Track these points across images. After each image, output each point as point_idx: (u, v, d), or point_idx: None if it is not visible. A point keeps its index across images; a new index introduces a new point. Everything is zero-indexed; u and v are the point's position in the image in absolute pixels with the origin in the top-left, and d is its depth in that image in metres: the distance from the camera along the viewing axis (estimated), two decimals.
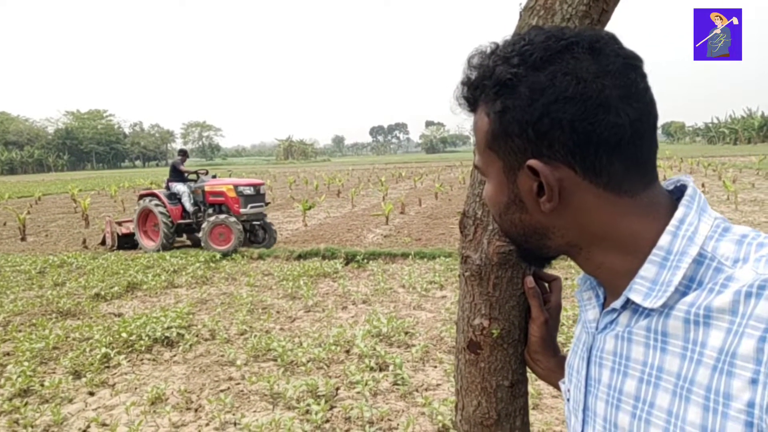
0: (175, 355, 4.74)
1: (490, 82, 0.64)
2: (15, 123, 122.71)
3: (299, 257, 8.60)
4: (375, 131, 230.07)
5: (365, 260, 8.07)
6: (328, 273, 7.50)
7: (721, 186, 16.46)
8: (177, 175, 10.59)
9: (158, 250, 9.61)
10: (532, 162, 0.62)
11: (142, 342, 4.83)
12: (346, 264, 8.08)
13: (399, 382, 3.99)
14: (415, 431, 3.34)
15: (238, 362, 4.44)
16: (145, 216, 10.21)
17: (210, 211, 10.04)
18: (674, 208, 0.62)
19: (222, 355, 4.66)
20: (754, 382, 0.51)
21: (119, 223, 10.94)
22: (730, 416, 0.52)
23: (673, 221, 0.61)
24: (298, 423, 3.45)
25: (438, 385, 4.00)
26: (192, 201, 10.21)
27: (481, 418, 0.93)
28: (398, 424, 3.44)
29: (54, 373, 4.44)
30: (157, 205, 9.90)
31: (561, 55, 0.61)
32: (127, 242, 10.45)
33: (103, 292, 6.67)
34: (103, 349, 4.64)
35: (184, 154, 11.16)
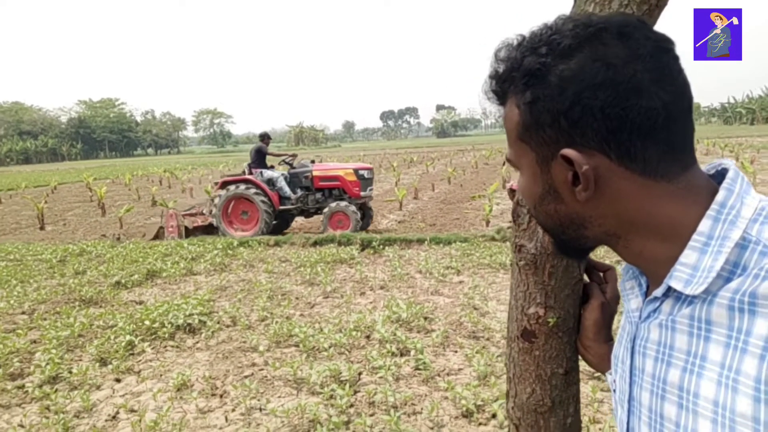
0: (197, 342, 4.80)
1: (519, 74, 0.64)
2: (29, 113, 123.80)
3: (315, 244, 8.63)
4: (385, 116, 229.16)
5: (381, 246, 8.09)
6: (345, 259, 7.53)
7: (740, 167, 16.22)
8: (262, 160, 10.27)
9: None
10: (565, 151, 0.62)
11: (165, 329, 4.90)
12: (362, 250, 8.10)
13: (420, 367, 4.01)
14: (439, 415, 3.37)
15: (261, 348, 4.49)
16: (228, 204, 9.91)
17: (319, 196, 10.00)
18: (715, 192, 0.61)
19: (244, 342, 4.71)
20: None
21: (188, 215, 10.51)
22: None
23: (714, 205, 0.59)
24: (323, 408, 3.49)
25: (460, 369, 4.02)
26: (290, 186, 10.12)
27: (535, 405, 0.94)
28: (422, 408, 3.47)
29: (81, 360, 4.52)
30: (256, 192, 9.63)
31: (589, 42, 0.60)
32: (195, 236, 9.80)
33: (123, 280, 6.75)
34: (128, 337, 4.71)
35: (267, 137, 10.57)
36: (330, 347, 4.39)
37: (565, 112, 0.60)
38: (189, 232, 10.09)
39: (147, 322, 4.98)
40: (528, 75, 0.62)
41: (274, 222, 9.86)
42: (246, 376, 4.06)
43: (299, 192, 10.06)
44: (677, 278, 0.60)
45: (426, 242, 8.09)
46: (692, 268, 0.59)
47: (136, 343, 4.68)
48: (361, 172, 9.89)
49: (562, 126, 0.61)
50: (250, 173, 10.08)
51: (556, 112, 0.61)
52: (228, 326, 5.14)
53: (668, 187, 0.61)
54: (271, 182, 10.00)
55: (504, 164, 21.12)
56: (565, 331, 0.90)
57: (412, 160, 33.37)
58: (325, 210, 9.47)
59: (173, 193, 20.86)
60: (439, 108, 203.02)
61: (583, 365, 0.98)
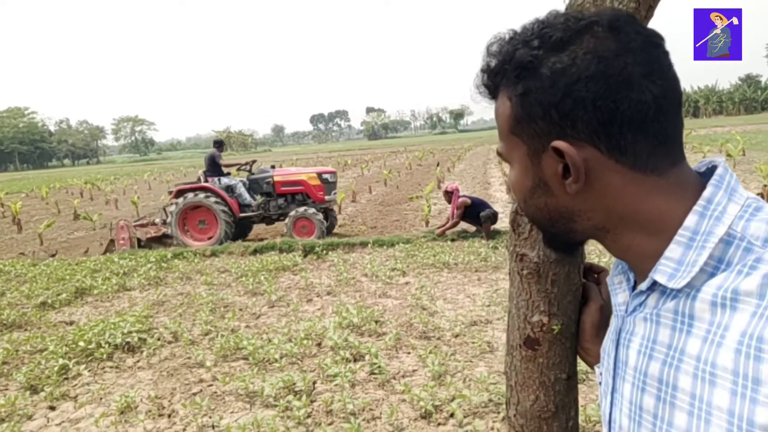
0: (138, 361, 4.56)
1: (511, 66, 0.63)
2: None
3: (255, 252, 8.43)
4: (316, 119, 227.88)
5: (324, 251, 8.01)
6: (288, 266, 7.40)
7: None
8: (216, 168, 9.86)
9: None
10: (557, 143, 0.62)
11: (102, 350, 4.62)
12: (305, 256, 7.99)
13: (375, 371, 4.00)
14: (398, 419, 3.37)
15: (207, 363, 4.32)
16: (185, 214, 9.45)
17: (281, 201, 9.67)
18: (703, 188, 0.61)
19: (189, 357, 4.52)
20: None
21: (140, 226, 9.95)
22: (759, 401, 0.50)
23: (701, 201, 0.60)
24: (280, 420, 3.41)
25: (414, 371, 4.04)
26: (250, 193, 9.75)
27: (539, 411, 0.94)
28: (381, 413, 3.45)
29: (7, 389, 4.18)
30: (215, 201, 9.25)
31: (581, 35, 0.61)
32: (149, 247, 9.38)
33: (49, 300, 6.31)
34: (60, 360, 4.40)
35: (221, 144, 10.22)
36: (281, 358, 4.29)
37: (556, 104, 0.61)
38: (141, 244, 9.60)
39: (81, 344, 4.68)
40: (520, 68, 0.63)
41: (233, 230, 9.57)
42: (194, 393, 3.90)
43: (259, 198, 9.79)
44: (661, 272, 0.60)
45: (369, 245, 8.09)
46: (676, 263, 0.59)
47: (71, 366, 4.38)
48: (324, 176, 9.74)
49: (553, 118, 0.62)
50: (206, 181, 9.72)
51: (548, 104, 0.61)
52: (170, 342, 4.91)
53: (658, 181, 0.62)
54: (229, 189, 9.68)
55: (438, 165, 21.51)
56: (568, 337, 0.91)
57: (347, 163, 33.30)
58: (290, 216, 9.23)
59: (96, 205, 19.75)
60: (369, 110, 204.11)
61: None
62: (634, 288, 0.70)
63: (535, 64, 0.62)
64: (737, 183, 0.62)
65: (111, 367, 4.46)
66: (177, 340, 4.94)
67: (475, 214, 8.13)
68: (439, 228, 8.45)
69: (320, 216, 9.27)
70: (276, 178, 9.70)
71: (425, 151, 39.02)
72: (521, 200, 0.72)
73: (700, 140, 24.75)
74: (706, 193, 0.60)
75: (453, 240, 8.00)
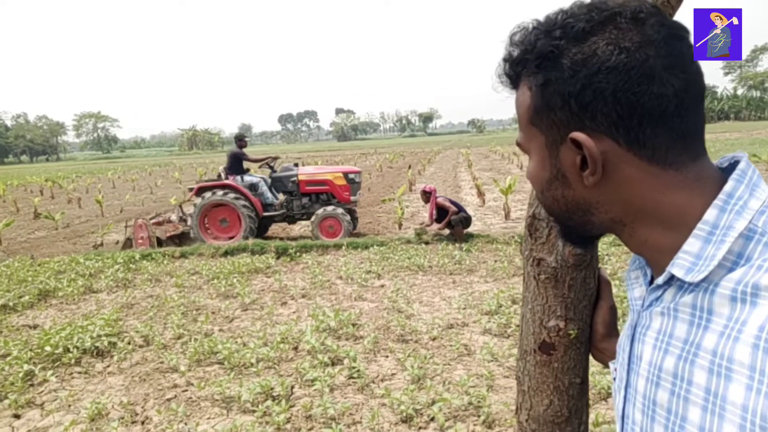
0: (108, 366, 4.42)
1: (532, 56, 0.64)
2: None
3: (226, 254, 8.28)
4: (284, 119, 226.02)
5: (298, 253, 7.93)
6: (261, 268, 7.30)
7: None
8: (239, 166, 9.56)
9: None
10: (575, 134, 0.62)
11: (70, 354, 4.46)
12: (278, 258, 7.90)
13: (354, 375, 3.98)
14: (379, 423, 3.35)
15: (182, 368, 4.23)
16: (206, 212, 9.17)
17: (305, 201, 9.45)
18: (725, 183, 0.61)
19: (162, 362, 4.41)
20: None
21: (156, 224, 9.59)
22: None
23: (721, 195, 0.59)
24: (259, 426, 3.35)
25: (393, 374, 4.03)
26: (272, 191, 9.53)
27: (552, 416, 0.95)
28: (361, 417, 3.43)
29: None
30: (237, 198, 9.01)
31: (603, 26, 0.61)
32: (168, 246, 9.08)
33: (11, 303, 6.07)
34: (25, 366, 4.23)
35: (243, 140, 9.81)
36: (258, 362, 4.23)
37: (576, 95, 0.61)
38: (161, 243, 9.29)
39: (48, 348, 4.51)
40: (541, 57, 0.63)
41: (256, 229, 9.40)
42: (169, 399, 3.81)
43: (281, 197, 9.60)
44: (679, 266, 0.60)
45: (343, 247, 8.05)
46: (695, 257, 0.59)
47: (36, 372, 4.22)
48: (350, 175, 9.53)
49: (572, 109, 0.62)
50: (226, 178, 9.48)
51: (567, 94, 0.61)
52: (141, 347, 4.79)
53: (676, 176, 0.61)
54: (253, 187, 9.47)
55: (409, 168, 21.57)
56: (583, 342, 0.92)
57: (317, 164, 33.12)
58: (316, 215, 9.07)
59: (58, 203, 19.12)
60: (339, 111, 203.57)
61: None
62: (650, 283, 0.70)
63: (556, 55, 0.62)
64: (759, 178, 0.62)
65: (80, 373, 4.32)
66: (148, 344, 4.81)
67: (445, 216, 8.22)
68: (428, 225, 8.46)
69: (348, 216, 9.13)
70: (301, 177, 9.49)
71: (395, 154, 39.11)
72: (538, 191, 0.72)
73: None
74: (727, 187, 0.60)
75: (427, 243, 8.04)
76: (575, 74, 0.60)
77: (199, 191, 9.29)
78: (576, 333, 0.90)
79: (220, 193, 9.09)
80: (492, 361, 4.09)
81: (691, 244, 0.59)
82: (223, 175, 9.62)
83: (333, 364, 4.18)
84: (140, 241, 9.19)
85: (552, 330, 0.91)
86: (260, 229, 9.67)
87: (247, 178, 9.54)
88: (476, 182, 13.12)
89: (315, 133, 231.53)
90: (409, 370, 3.92)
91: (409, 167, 21.87)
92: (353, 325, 4.91)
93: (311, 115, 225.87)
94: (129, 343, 4.77)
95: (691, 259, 0.59)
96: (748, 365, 0.52)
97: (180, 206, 10.47)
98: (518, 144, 0.73)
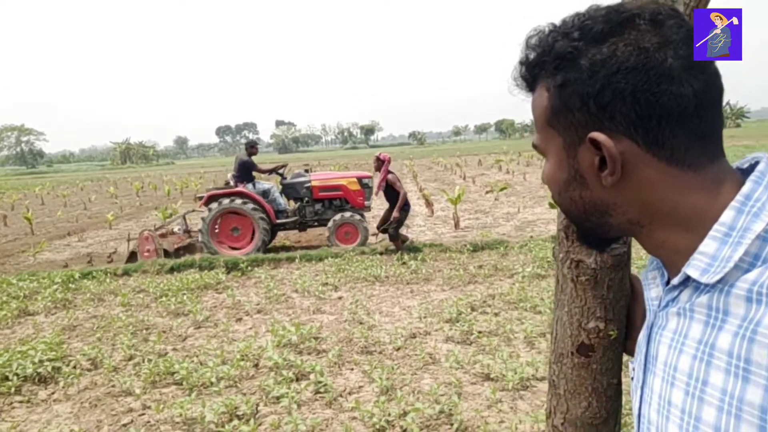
0: (54, 393, 4.13)
1: (550, 58, 0.64)
2: None
3: (172, 270, 7.97)
4: (222, 131, 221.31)
5: (249, 267, 7.73)
6: (211, 284, 7.06)
7: None
8: (249, 173, 9.14)
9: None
10: (594, 134, 0.62)
11: (9, 383, 4.14)
12: (228, 273, 7.67)
13: (321, 390, 3.89)
14: None
15: (136, 390, 4.01)
16: (215, 221, 8.76)
17: (318, 207, 9.09)
18: (743, 185, 0.61)
19: (113, 386, 4.17)
20: None
21: (162, 236, 9.08)
22: None
23: (738, 196, 0.59)
24: None
25: (360, 387, 3.98)
26: (283, 198, 9.20)
27: (591, 418, 0.95)
28: None
29: None
30: (253, 207, 8.61)
31: (622, 27, 0.62)
32: (175, 258, 8.58)
33: None
34: None
35: (253, 146, 9.48)
36: (218, 381, 4.07)
37: (595, 95, 0.61)
38: (168, 255, 8.78)
39: None
40: (559, 59, 0.63)
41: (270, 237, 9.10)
42: (125, 425, 3.60)
43: (292, 204, 9.34)
44: (694, 266, 0.60)
45: (297, 260, 7.92)
46: (711, 258, 0.59)
47: None
48: (364, 180, 9.35)
49: (591, 109, 0.62)
50: (235, 186, 9.07)
51: (586, 95, 0.62)
52: (89, 370, 4.51)
53: (695, 177, 0.61)
54: (264, 194, 9.14)
55: None
56: (620, 342, 0.93)
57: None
58: (332, 222, 8.80)
59: None
60: (279, 123, 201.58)
61: None
62: (667, 284, 0.70)
63: (575, 56, 0.62)
64: None
65: (21, 402, 4.01)
66: (97, 368, 4.54)
67: (394, 200, 7.88)
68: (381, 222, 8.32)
69: (365, 222, 8.98)
70: (314, 183, 9.21)
71: (339, 166, 39.00)
72: (555, 193, 0.72)
73: None
74: (745, 188, 0.60)
75: (381, 253, 8.03)
76: (594, 75, 0.61)
77: (209, 200, 8.92)
78: (615, 333, 0.91)
79: (234, 200, 8.75)
80: (458, 368, 4.11)
81: (707, 245, 0.59)
82: (232, 183, 9.32)
83: (298, 379, 4.08)
84: (147, 253, 8.76)
85: (592, 332, 0.91)
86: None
87: (259, 185, 9.31)
88: (423, 192, 13.27)
89: None
90: (377, 381, 3.88)
91: None
92: (315, 338, 4.82)
93: (250, 127, 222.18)
94: (75, 368, 4.48)
95: (706, 260, 0.59)
96: (764, 366, 0.52)
97: (184, 217, 10.10)
98: (534, 146, 0.73)
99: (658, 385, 0.65)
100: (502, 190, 13.78)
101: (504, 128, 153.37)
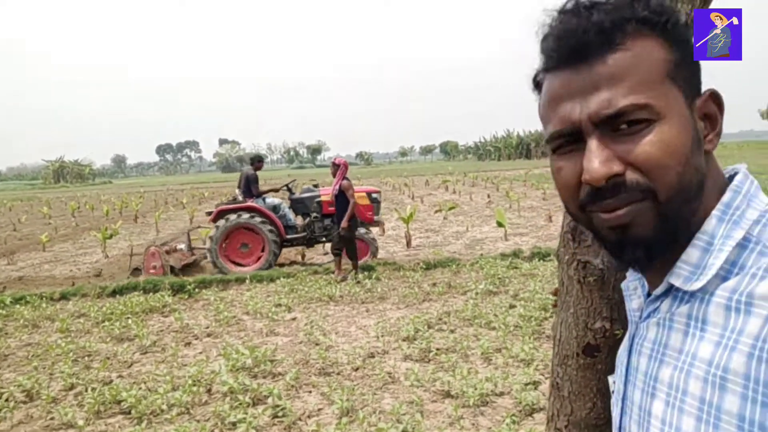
0: None
1: (655, 13, 0.60)
2: None
3: (114, 293, 7.59)
4: (163, 149, 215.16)
5: (197, 289, 7.45)
6: (157, 307, 6.76)
7: (503, 196, 18.97)
8: (252, 190, 8.87)
9: None
10: (713, 89, 0.62)
11: None
12: (174, 295, 7.36)
13: (279, 414, 3.76)
14: None
15: (79, 422, 3.74)
16: (223, 238, 8.49)
17: (327, 222, 8.77)
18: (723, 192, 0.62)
19: (52, 418, 3.88)
20: None
21: (167, 253, 8.67)
22: None
23: (719, 205, 0.60)
24: None
25: (320, 409, 3.87)
26: (293, 214, 8.93)
27: (595, 419, 0.95)
28: None
29: None
30: (263, 222, 8.31)
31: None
32: (181, 275, 8.29)
33: None
34: None
35: (260, 161, 9.32)
36: (170, 408, 3.86)
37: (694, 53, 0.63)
38: (174, 272, 8.39)
39: None
40: (668, 13, 0.61)
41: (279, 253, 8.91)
42: None
43: (300, 219, 9.11)
44: (677, 275, 0.60)
45: (247, 281, 7.71)
46: (693, 266, 0.59)
47: None
48: (373, 195, 9.28)
49: (698, 66, 0.63)
50: (243, 201, 8.80)
51: (692, 51, 0.63)
52: (24, 403, 4.19)
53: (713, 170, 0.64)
54: (275, 209, 8.92)
55: None
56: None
57: (203, 196, 31.77)
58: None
59: None
60: (223, 142, 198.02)
61: None
62: (649, 294, 0.69)
63: (677, 13, 0.62)
64: (758, 189, 0.63)
65: None
66: (33, 399, 4.22)
67: (343, 210, 7.64)
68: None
69: (373, 236, 8.89)
70: (324, 198, 8.97)
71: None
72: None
73: (536, 178, 27.63)
74: (725, 198, 0.61)
75: (334, 272, 7.94)
76: (691, 33, 0.63)
77: (219, 215, 8.66)
78: (621, 333, 0.92)
79: (243, 216, 8.51)
80: (419, 386, 4.08)
81: (690, 254, 0.60)
82: (240, 198, 9.09)
83: (255, 403, 3.94)
84: (152, 270, 8.42)
85: (598, 332, 0.92)
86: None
87: (269, 200, 9.13)
88: None
89: (197, 164, 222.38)
90: (337, 403, 3.79)
91: None
92: (270, 361, 4.68)
93: (192, 145, 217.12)
94: (8, 400, 4.14)
95: (689, 268, 0.60)
96: (743, 375, 0.51)
97: (188, 234, 9.81)
98: (635, 109, 0.58)
99: (638, 396, 0.65)
100: (450, 209, 14.00)
101: (448, 150, 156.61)
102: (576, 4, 0.61)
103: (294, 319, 6.05)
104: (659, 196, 0.58)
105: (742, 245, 0.57)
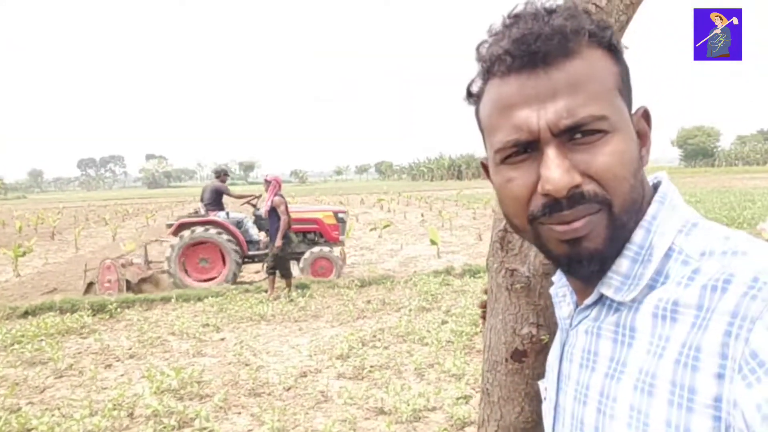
0: None
1: (595, 27, 0.60)
2: None
3: (26, 314, 7.07)
4: (85, 164, 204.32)
5: (118, 309, 7.07)
6: (74, 328, 6.34)
7: (437, 215, 19.34)
8: (220, 202, 8.56)
9: None
10: (645, 106, 0.64)
11: None
12: (94, 315, 6.94)
13: None
14: None
15: None
16: (183, 251, 8.26)
17: (296, 238, 8.30)
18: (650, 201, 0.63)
19: None
20: (720, 376, 0.50)
21: (124, 265, 8.08)
22: (695, 410, 0.51)
23: (646, 217, 0.61)
24: None
25: (249, 431, 3.76)
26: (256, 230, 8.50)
27: (523, 423, 0.98)
28: None
29: None
30: (226, 237, 8.00)
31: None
32: (138, 291, 7.97)
33: None
34: None
35: (225, 174, 9.03)
36: None
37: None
38: (130, 287, 7.91)
39: None
40: (606, 29, 0.61)
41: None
42: None
43: (263, 235, 8.68)
44: (608, 284, 0.61)
45: (173, 300, 7.39)
46: (623, 276, 0.60)
47: None
48: (340, 215, 9.22)
49: (630, 83, 0.64)
50: (206, 214, 8.41)
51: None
52: None
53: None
54: (238, 224, 8.51)
55: None
56: (550, 348, 0.98)
57: (127, 212, 30.35)
58: (307, 255, 8.39)
59: None
60: (149, 157, 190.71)
61: None
62: (578, 301, 0.70)
63: (609, 28, 0.62)
64: (679, 199, 0.64)
65: None
66: None
67: (276, 227, 7.49)
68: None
69: (339, 255, 8.78)
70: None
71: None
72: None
73: (467, 199, 28.40)
74: (651, 209, 0.62)
75: (266, 291, 7.78)
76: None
77: (180, 228, 8.30)
78: (547, 338, 0.96)
79: (203, 230, 8.21)
80: (352, 404, 4.05)
81: (620, 264, 0.61)
82: (202, 211, 8.73)
83: (181, 426, 3.76)
84: (107, 284, 7.90)
85: (525, 337, 0.95)
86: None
87: (233, 215, 8.77)
88: None
89: (121, 179, 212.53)
90: (267, 423, 3.69)
91: None
92: (197, 382, 4.49)
93: (117, 160, 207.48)
94: None
95: (620, 278, 0.61)
96: (669, 380, 0.53)
97: (145, 248, 9.30)
98: (594, 120, 0.57)
99: (570, 404, 0.66)
100: (385, 227, 14.11)
101: (383, 169, 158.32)
102: (535, 9, 0.60)
103: (223, 339, 5.86)
104: (614, 207, 0.58)
105: (667, 255, 0.59)
